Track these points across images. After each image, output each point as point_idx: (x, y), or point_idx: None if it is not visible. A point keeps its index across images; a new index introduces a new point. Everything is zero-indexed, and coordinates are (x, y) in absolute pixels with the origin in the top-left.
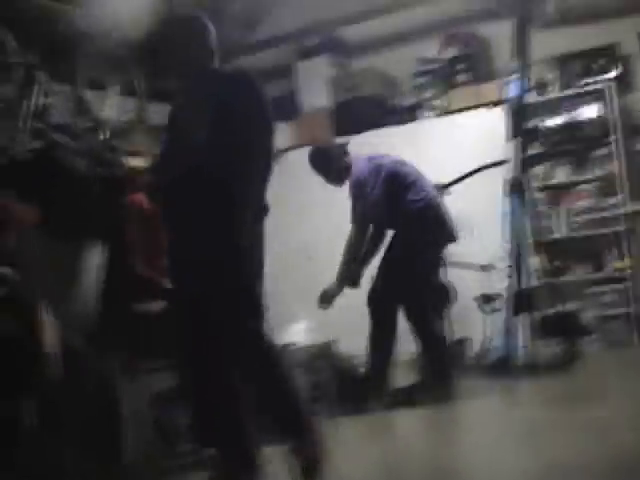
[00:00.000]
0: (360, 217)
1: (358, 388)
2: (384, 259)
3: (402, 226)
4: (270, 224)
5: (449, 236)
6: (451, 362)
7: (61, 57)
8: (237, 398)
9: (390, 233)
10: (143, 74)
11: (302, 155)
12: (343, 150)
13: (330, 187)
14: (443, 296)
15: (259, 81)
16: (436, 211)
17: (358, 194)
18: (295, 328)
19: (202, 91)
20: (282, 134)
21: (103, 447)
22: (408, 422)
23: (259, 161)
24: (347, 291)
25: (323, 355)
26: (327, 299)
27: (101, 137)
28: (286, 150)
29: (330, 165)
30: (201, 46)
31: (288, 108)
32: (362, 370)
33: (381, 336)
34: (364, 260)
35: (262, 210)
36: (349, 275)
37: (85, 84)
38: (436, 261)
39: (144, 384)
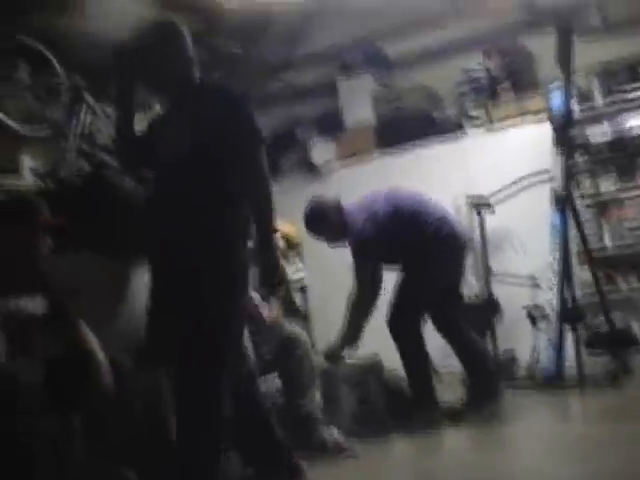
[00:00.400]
0: (365, 274)
1: (405, 405)
2: (398, 285)
3: (413, 253)
4: (313, 244)
5: (462, 246)
6: (496, 378)
7: (104, 77)
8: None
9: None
10: None
11: (347, 171)
12: (337, 206)
13: None
14: (489, 309)
15: (241, 96)
16: (447, 228)
17: (358, 251)
18: None
19: (185, 106)
20: (327, 150)
21: (154, 464)
22: (455, 440)
23: (243, 179)
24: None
25: (370, 370)
26: (334, 358)
27: None
28: (332, 166)
29: (327, 225)
30: (177, 54)
31: (332, 125)
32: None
33: (412, 357)
34: (364, 317)
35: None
36: (351, 335)
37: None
38: (456, 274)
39: None
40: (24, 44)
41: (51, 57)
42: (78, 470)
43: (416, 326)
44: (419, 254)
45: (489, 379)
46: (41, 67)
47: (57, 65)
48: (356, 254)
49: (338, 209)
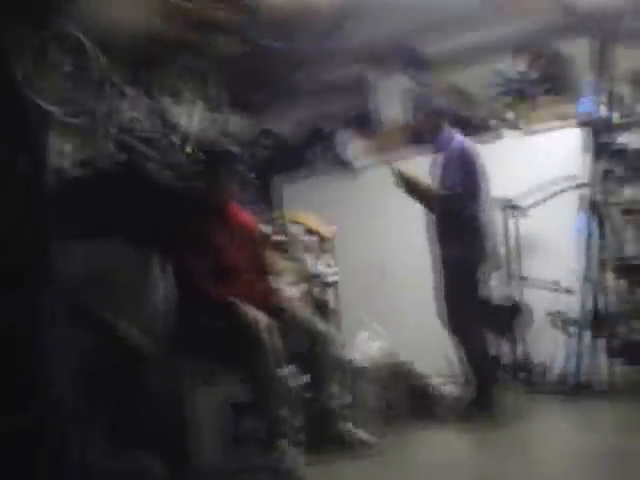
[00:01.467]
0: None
1: (429, 405)
2: (443, 273)
3: (460, 232)
4: (345, 241)
5: (487, 255)
6: (491, 385)
7: (146, 71)
8: None
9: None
10: (226, 87)
11: (379, 169)
12: (446, 111)
13: (405, 204)
14: (511, 313)
15: None
16: (486, 229)
17: (463, 164)
18: (369, 345)
19: None
20: (359, 148)
21: (171, 449)
22: (471, 442)
23: None
24: (420, 311)
25: (397, 372)
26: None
27: (187, 150)
28: (363, 164)
29: (427, 116)
30: None
31: (365, 122)
32: (433, 388)
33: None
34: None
35: None
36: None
37: (169, 97)
38: (478, 278)
39: (216, 392)
40: (59, 29)
41: (88, 44)
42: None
43: (471, 322)
44: (462, 234)
45: (481, 384)
46: (77, 54)
47: (94, 54)
48: (461, 163)
49: (447, 112)
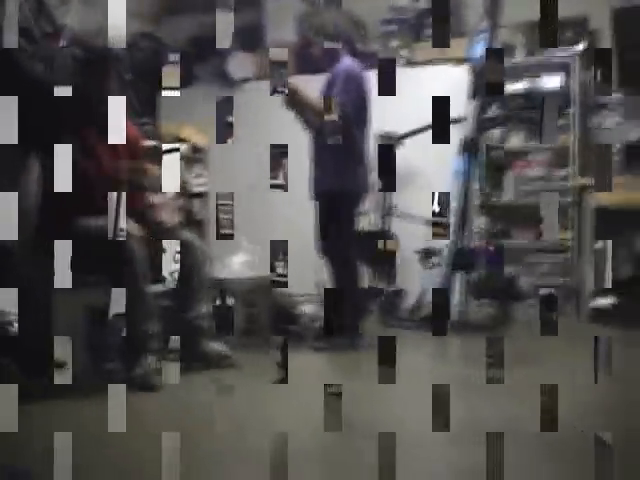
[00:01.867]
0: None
1: (291, 324)
2: (319, 198)
3: (340, 160)
4: (221, 154)
5: (365, 185)
6: (355, 312)
7: None
8: None
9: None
10: None
11: (263, 88)
12: (344, 37)
13: (287, 123)
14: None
15: None
16: (366, 158)
17: (350, 88)
18: (235, 260)
19: None
20: (245, 65)
21: (32, 357)
22: (331, 365)
23: None
24: (291, 231)
25: (263, 290)
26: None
27: (61, 44)
28: (248, 81)
29: (325, 34)
30: None
31: (253, 40)
32: (297, 308)
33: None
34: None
35: None
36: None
37: None
38: (355, 207)
39: (80, 298)
40: None
41: None
42: None
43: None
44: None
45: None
46: None
47: None
48: (346, 86)
49: (341, 38)
